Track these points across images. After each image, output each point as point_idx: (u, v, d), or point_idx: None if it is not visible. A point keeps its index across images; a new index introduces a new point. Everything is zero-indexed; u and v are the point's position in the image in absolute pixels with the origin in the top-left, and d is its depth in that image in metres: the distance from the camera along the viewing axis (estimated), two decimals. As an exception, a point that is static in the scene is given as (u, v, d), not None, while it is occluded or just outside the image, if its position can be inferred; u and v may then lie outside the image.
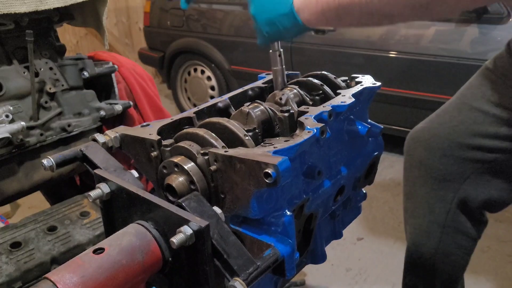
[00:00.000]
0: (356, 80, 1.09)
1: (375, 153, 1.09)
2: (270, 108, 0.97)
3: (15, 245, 1.40)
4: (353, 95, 0.98)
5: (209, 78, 4.36)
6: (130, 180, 0.84)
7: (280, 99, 1.00)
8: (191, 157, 0.84)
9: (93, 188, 0.81)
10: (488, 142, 1.29)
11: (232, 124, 0.88)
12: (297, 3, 0.98)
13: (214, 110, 1.04)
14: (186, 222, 0.69)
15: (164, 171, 0.86)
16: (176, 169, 0.84)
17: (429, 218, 1.43)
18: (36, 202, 2.77)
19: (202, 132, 0.86)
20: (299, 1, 0.98)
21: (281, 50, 1.09)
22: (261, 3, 1.01)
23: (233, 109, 1.06)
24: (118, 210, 0.82)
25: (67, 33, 4.99)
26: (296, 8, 0.98)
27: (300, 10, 0.98)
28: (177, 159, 0.84)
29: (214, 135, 0.86)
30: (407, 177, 1.49)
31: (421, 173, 1.42)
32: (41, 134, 1.58)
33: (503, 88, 1.26)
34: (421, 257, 1.47)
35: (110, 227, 0.85)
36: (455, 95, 1.43)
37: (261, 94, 1.14)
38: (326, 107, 0.93)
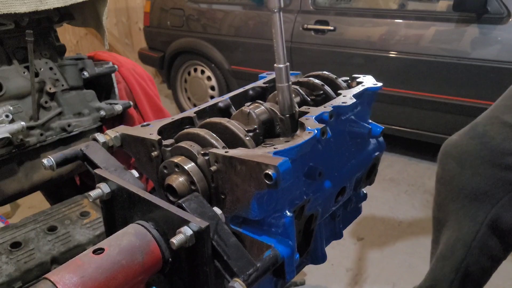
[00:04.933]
0: (357, 80, 1.09)
1: (376, 154, 1.09)
2: (271, 108, 0.97)
3: (15, 245, 1.39)
4: (354, 96, 0.98)
5: (209, 78, 4.36)
6: (131, 180, 0.84)
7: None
8: (191, 157, 0.83)
9: (93, 188, 0.81)
10: None
11: (233, 125, 0.88)
12: None
13: (215, 110, 1.04)
14: (186, 223, 0.69)
15: (165, 171, 0.86)
16: (176, 169, 0.84)
17: (456, 235, 1.38)
18: (36, 202, 2.77)
19: (202, 132, 0.86)
20: None
21: (288, 64, 0.89)
22: None
23: (234, 109, 1.06)
24: (118, 210, 0.81)
25: (67, 33, 4.99)
26: None
27: None
28: (177, 159, 0.84)
29: (214, 135, 0.86)
30: (439, 188, 1.44)
31: (453, 189, 1.37)
32: (41, 134, 1.58)
33: None
34: (443, 269, 1.45)
35: (110, 227, 0.84)
36: (492, 105, 1.32)
37: (262, 94, 1.14)
38: (327, 107, 0.93)
